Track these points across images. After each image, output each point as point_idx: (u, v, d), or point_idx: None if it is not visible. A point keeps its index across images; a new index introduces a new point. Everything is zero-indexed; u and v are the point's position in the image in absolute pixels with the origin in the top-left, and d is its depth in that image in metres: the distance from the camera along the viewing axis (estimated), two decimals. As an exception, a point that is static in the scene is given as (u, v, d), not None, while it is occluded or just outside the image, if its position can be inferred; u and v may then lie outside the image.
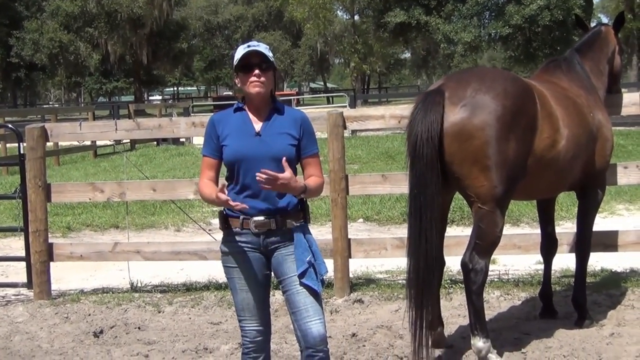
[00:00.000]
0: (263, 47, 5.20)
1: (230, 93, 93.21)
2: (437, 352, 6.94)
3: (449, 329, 7.60)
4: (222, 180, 5.14)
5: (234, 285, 5.31)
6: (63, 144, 25.89)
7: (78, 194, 9.95)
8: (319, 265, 5.17)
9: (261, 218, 5.14)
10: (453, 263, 8.16)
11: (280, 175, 4.87)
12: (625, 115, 9.01)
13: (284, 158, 4.98)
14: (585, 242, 7.77)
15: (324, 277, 5.23)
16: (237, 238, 5.23)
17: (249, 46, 5.22)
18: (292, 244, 5.17)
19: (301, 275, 5.10)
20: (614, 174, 8.77)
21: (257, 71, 5.14)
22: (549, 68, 7.95)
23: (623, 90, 9.24)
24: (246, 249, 5.22)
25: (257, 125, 5.22)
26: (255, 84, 5.17)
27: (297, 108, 5.37)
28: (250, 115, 5.26)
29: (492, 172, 6.31)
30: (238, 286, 5.28)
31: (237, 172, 5.18)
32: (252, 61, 5.15)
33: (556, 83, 7.45)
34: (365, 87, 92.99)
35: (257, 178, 4.85)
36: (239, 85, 5.27)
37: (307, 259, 5.12)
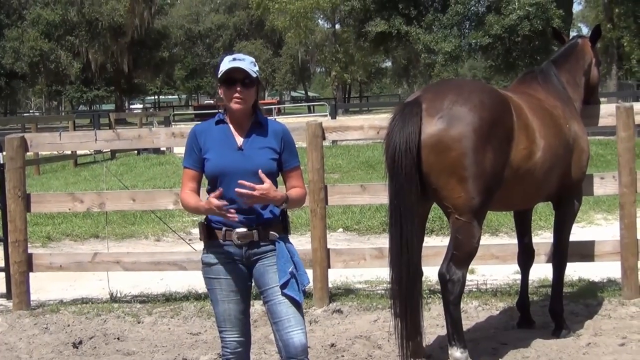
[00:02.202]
0: (248, 63, 5.21)
1: (212, 102, 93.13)
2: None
3: (428, 338, 7.62)
4: (217, 192, 5.13)
5: (215, 296, 5.33)
6: (43, 153, 25.79)
7: (58, 204, 9.95)
8: (301, 276, 5.21)
9: (244, 230, 5.17)
10: (432, 273, 8.20)
11: (258, 186, 4.92)
12: (603, 126, 9.08)
13: (259, 170, 5.02)
14: (562, 252, 7.84)
15: (305, 287, 5.27)
16: (219, 249, 5.25)
17: (234, 59, 5.23)
18: (274, 255, 5.20)
19: (283, 286, 5.13)
20: (590, 185, 8.84)
21: (239, 87, 5.17)
22: (525, 79, 8.02)
23: (603, 99, 9.33)
24: (228, 260, 5.24)
25: (239, 139, 5.25)
26: (236, 100, 5.20)
27: (278, 119, 5.39)
28: (232, 129, 5.29)
29: (469, 184, 6.36)
30: (219, 297, 5.30)
31: (219, 186, 5.20)
32: (235, 76, 5.17)
33: (533, 94, 7.51)
34: (347, 96, 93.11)
35: (237, 194, 4.90)
36: (221, 96, 5.30)
37: (289, 269, 5.15)
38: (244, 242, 5.18)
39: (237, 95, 5.18)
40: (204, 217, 5.37)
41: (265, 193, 4.96)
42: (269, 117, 5.48)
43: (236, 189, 4.93)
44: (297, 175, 5.38)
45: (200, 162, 5.28)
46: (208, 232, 5.29)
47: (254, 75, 5.21)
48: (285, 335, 5.16)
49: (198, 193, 5.35)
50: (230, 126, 5.30)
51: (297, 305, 5.18)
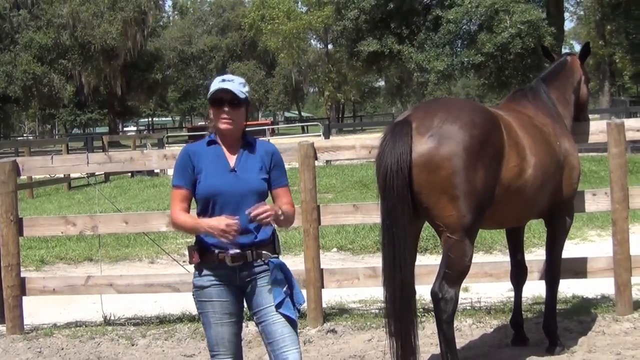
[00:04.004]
0: (237, 84, 5.25)
1: (206, 123, 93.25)
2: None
3: (422, 358, 7.60)
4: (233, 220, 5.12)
5: (207, 319, 5.31)
6: (37, 176, 25.77)
7: (50, 228, 9.93)
8: (296, 295, 5.25)
9: (237, 251, 5.16)
10: (425, 292, 8.19)
11: (262, 208, 4.99)
12: (595, 142, 9.10)
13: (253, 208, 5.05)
14: (554, 269, 7.84)
15: (300, 306, 5.29)
16: (211, 272, 5.24)
17: (223, 80, 5.27)
18: (267, 276, 5.21)
19: (278, 306, 5.15)
20: (582, 202, 8.85)
21: (226, 108, 5.21)
22: (515, 97, 8.04)
23: (595, 116, 9.37)
24: (221, 282, 5.24)
25: (232, 161, 5.27)
26: (224, 121, 5.24)
27: (271, 140, 5.42)
28: (224, 150, 5.31)
29: (460, 202, 6.36)
30: (212, 320, 5.28)
31: (212, 207, 5.21)
32: (223, 97, 5.21)
33: (522, 112, 7.53)
34: (340, 115, 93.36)
35: (251, 217, 5.01)
36: (210, 117, 5.32)
37: (284, 289, 5.17)
38: (237, 264, 5.17)
39: (224, 116, 5.22)
40: (194, 240, 5.37)
41: (272, 212, 5.04)
42: (259, 138, 5.51)
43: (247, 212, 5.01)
44: (286, 192, 5.42)
45: (193, 182, 5.28)
46: (201, 254, 5.28)
47: (242, 96, 5.24)
48: (280, 356, 5.17)
49: (188, 212, 5.36)
50: (223, 147, 5.32)
51: (292, 324, 5.20)
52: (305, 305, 8.79)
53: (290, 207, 5.37)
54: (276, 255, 5.31)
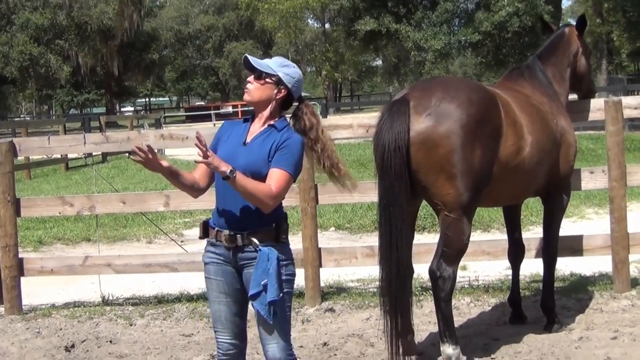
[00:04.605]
0: (273, 61, 5.25)
1: (203, 103, 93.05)
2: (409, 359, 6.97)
3: (420, 336, 7.64)
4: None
5: (209, 295, 5.32)
6: (34, 157, 25.77)
7: (48, 208, 9.93)
8: (269, 290, 4.99)
9: (229, 232, 5.12)
10: (423, 270, 8.21)
11: (202, 147, 4.76)
12: (593, 120, 9.09)
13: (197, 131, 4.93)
14: (552, 247, 7.85)
15: (271, 302, 5.01)
16: (213, 249, 5.23)
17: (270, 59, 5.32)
18: (254, 263, 5.09)
19: (253, 298, 5.03)
20: (580, 179, 8.85)
21: (250, 77, 5.20)
22: (511, 76, 8.02)
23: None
24: (219, 261, 5.21)
25: (250, 136, 5.20)
26: (245, 90, 5.23)
27: (293, 132, 5.13)
28: (251, 126, 5.26)
29: (458, 180, 6.37)
30: (211, 297, 5.28)
31: (215, 179, 5.22)
32: (250, 68, 5.23)
33: (519, 90, 7.52)
34: (338, 95, 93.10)
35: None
36: None
37: (263, 282, 5.00)
38: (231, 245, 5.14)
39: (246, 86, 5.22)
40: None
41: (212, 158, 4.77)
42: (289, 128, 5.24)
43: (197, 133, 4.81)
44: (278, 175, 5.00)
45: (214, 151, 5.16)
46: (205, 229, 5.28)
47: (268, 70, 5.17)
48: (263, 347, 5.20)
49: (202, 181, 5.28)
50: (252, 123, 5.27)
51: (262, 320, 5.07)
52: (303, 284, 8.87)
53: (262, 185, 4.96)
54: (273, 244, 5.10)
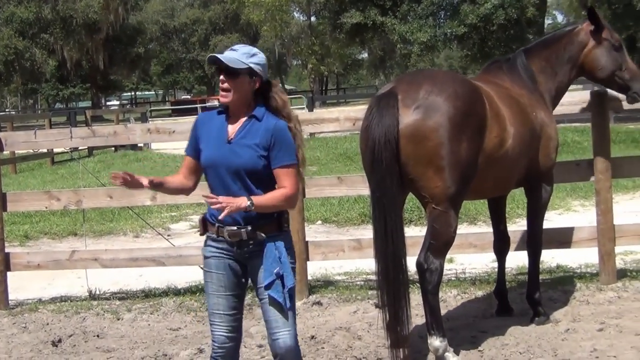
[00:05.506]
0: (239, 53, 5.14)
1: (189, 97, 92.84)
2: (400, 351, 6.97)
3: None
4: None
5: (207, 289, 5.32)
6: (20, 151, 25.67)
7: (34, 203, 9.91)
8: (286, 277, 5.11)
9: (233, 228, 5.12)
10: (410, 263, 8.22)
11: (222, 198, 4.90)
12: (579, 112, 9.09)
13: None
14: (536, 239, 7.87)
15: (290, 288, 5.14)
16: (214, 244, 5.24)
17: (231, 50, 5.21)
18: (263, 254, 5.13)
19: (267, 287, 5.08)
20: (566, 171, 8.88)
21: (221, 77, 5.11)
22: (490, 69, 8.02)
23: (578, 86, 9.25)
24: (221, 255, 5.22)
25: (232, 132, 5.16)
26: (220, 93, 5.16)
27: (273, 116, 5.15)
28: (229, 120, 5.22)
29: (446, 173, 6.39)
30: (210, 290, 5.28)
31: (208, 179, 5.20)
32: (219, 66, 5.11)
33: (499, 83, 7.52)
34: (324, 88, 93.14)
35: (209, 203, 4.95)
36: None
37: (275, 270, 5.07)
38: (234, 240, 5.14)
39: (220, 86, 5.13)
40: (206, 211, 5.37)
41: (225, 206, 4.86)
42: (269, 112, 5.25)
43: (202, 194, 4.97)
44: (287, 173, 5.11)
45: (197, 150, 5.24)
46: (204, 225, 5.29)
47: (238, 65, 5.08)
48: (271, 336, 5.18)
49: (189, 179, 5.35)
50: (227, 117, 5.24)
51: (280, 307, 5.12)
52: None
53: (283, 192, 5.08)
54: (276, 234, 5.17)
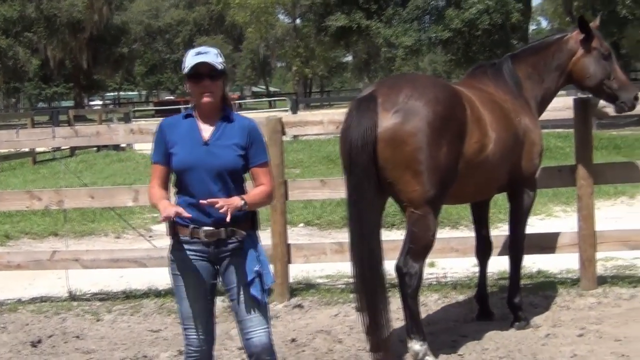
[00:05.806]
0: (212, 55, 5.17)
1: (172, 97, 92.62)
2: (380, 355, 6.96)
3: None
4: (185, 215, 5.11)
5: (179, 293, 5.30)
6: (1, 150, 25.55)
7: (15, 202, 9.87)
8: (266, 275, 5.17)
9: (211, 228, 5.13)
10: (391, 267, 8.23)
11: (212, 201, 4.93)
12: (562, 118, 9.12)
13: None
14: (518, 244, 7.89)
15: (270, 287, 5.22)
16: (186, 247, 5.21)
17: (198, 53, 5.18)
18: (241, 253, 5.16)
19: (248, 285, 5.11)
20: (548, 177, 8.90)
21: (206, 81, 5.13)
22: (475, 74, 8.03)
23: (562, 92, 9.21)
24: (194, 257, 5.21)
25: (206, 134, 5.18)
26: (205, 96, 5.15)
27: (245, 115, 5.29)
28: (199, 123, 5.23)
29: (424, 177, 6.40)
30: (183, 295, 5.27)
31: (185, 182, 5.18)
32: (201, 71, 5.12)
33: (483, 89, 7.54)
34: (308, 90, 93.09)
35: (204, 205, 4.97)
36: (188, 92, 5.25)
37: (255, 268, 5.12)
38: (212, 240, 5.14)
39: (205, 90, 5.14)
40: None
41: (221, 206, 4.91)
42: (237, 112, 5.41)
43: (200, 201, 4.99)
44: (264, 172, 5.30)
45: (167, 156, 5.23)
46: (176, 228, 5.24)
47: (220, 67, 5.16)
48: (246, 335, 5.20)
49: (165, 187, 5.33)
50: (198, 120, 5.24)
51: (259, 305, 5.16)
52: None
53: (264, 189, 5.24)
54: (251, 232, 5.24)
